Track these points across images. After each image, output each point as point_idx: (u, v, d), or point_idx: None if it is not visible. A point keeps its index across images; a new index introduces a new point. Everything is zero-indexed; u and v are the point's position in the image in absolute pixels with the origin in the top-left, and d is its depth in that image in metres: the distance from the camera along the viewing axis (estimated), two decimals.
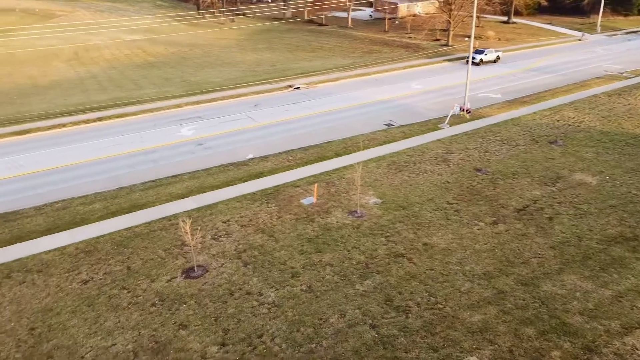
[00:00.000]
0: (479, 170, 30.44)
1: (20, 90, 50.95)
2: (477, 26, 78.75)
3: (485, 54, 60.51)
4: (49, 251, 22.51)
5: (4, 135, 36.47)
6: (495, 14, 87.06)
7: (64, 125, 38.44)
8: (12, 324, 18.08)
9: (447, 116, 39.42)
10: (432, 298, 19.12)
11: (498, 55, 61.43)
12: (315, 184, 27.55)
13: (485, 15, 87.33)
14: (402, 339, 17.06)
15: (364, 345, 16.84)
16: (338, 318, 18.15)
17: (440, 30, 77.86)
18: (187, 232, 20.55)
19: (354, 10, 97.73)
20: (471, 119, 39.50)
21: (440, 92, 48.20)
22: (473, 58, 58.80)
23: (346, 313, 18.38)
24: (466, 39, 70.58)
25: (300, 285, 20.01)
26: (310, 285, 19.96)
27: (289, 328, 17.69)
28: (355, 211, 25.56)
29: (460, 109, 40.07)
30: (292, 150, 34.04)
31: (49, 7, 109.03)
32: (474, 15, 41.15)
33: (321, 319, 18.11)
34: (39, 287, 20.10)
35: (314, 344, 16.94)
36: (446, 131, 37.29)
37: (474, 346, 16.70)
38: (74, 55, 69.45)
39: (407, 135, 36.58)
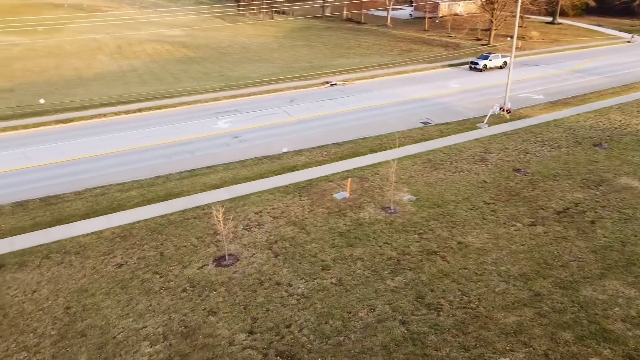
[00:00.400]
0: (517, 170, 29.57)
1: (66, 81, 52.60)
2: (521, 26, 76.78)
3: (490, 60, 55.23)
4: (87, 234, 23.08)
5: (49, 123, 37.71)
6: (539, 14, 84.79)
7: (105, 115, 39.46)
8: (49, 302, 18.59)
9: (486, 116, 38.50)
10: (464, 297, 18.62)
11: (505, 61, 55.86)
12: (349, 179, 27.33)
13: (529, 16, 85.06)
14: (433, 336, 16.67)
15: (393, 340, 16.53)
16: (367, 312, 17.90)
17: (481, 29, 76.32)
18: (219, 221, 20.70)
19: (393, 9, 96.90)
20: (511, 119, 38.46)
21: (479, 91, 47.15)
22: (476, 64, 55.24)
23: (376, 308, 18.11)
24: (508, 38, 68.99)
25: (330, 278, 19.84)
26: (341, 279, 19.76)
27: (317, 320, 17.55)
28: (389, 207, 25.21)
29: (500, 109, 39.08)
30: (326, 145, 33.90)
31: (96, 3, 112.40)
32: (517, 15, 40.04)
33: (350, 313, 17.90)
34: (75, 268, 20.62)
35: (342, 337, 16.74)
36: (484, 131, 36.43)
37: (508, 348, 16.16)
38: (117, 49, 71.26)
39: (444, 133, 35.90)
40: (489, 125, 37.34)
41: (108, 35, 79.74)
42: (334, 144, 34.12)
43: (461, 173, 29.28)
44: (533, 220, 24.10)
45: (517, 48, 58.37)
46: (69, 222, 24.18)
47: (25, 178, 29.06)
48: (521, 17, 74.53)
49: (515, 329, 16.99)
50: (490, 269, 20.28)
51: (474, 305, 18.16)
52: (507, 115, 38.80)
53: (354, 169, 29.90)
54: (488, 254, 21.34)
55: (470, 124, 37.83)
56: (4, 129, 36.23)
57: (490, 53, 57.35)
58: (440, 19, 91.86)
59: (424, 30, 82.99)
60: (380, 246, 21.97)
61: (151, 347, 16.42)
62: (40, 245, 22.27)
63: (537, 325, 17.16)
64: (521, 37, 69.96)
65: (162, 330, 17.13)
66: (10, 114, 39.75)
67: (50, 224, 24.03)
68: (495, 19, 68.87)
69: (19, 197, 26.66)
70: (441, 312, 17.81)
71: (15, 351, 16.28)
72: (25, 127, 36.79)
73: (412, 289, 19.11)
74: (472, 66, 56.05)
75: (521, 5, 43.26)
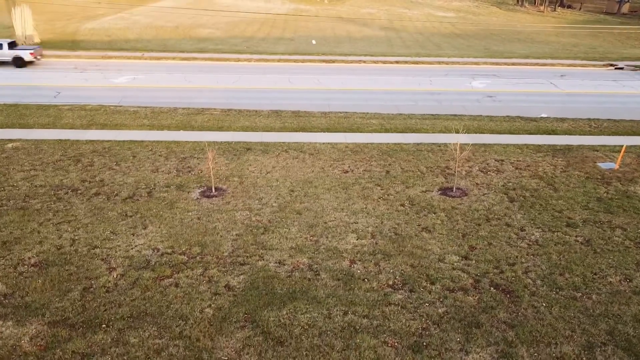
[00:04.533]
0: None
1: (336, 39, 56.60)
2: None
3: None
4: (323, 143, 23.69)
5: (314, 60, 40.92)
6: None
7: (364, 61, 40.90)
8: (278, 183, 19.42)
9: None
10: None
11: (19, 56, 35.62)
12: (624, 146, 22.16)
13: None
14: None
15: None
16: (620, 280, 13.81)
17: None
18: (455, 150, 18.76)
19: None
20: None
21: None
22: None
23: (633, 279, 13.85)
24: None
25: (576, 236, 16.07)
26: (590, 240, 15.84)
27: (550, 269, 14.26)
28: None
29: None
30: (598, 119, 28.49)
31: None
32: None
33: (595, 274, 14.07)
34: (306, 164, 21.23)
35: (580, 294, 13.19)
36: None
37: None
38: (388, 22, 73.89)
39: None
40: None
41: (382, 10, 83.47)
42: (609, 120, 28.45)
43: None
44: None
45: None
46: (310, 132, 25.26)
47: (284, 95, 31.71)
48: None
49: None
50: None
51: None
52: None
53: (632, 146, 24.22)
54: None
55: None
56: (280, 60, 40.52)
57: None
58: None
59: None
60: None
61: (357, 239, 15.58)
62: (283, 142, 23.69)
63: None
64: None
65: (372, 230, 16.16)
66: (286, 52, 44.31)
67: (295, 130, 25.49)
68: None
69: (276, 107, 29.08)
70: None
71: (241, 208, 17.32)
72: (295, 61, 40.49)
73: None
74: None
75: None
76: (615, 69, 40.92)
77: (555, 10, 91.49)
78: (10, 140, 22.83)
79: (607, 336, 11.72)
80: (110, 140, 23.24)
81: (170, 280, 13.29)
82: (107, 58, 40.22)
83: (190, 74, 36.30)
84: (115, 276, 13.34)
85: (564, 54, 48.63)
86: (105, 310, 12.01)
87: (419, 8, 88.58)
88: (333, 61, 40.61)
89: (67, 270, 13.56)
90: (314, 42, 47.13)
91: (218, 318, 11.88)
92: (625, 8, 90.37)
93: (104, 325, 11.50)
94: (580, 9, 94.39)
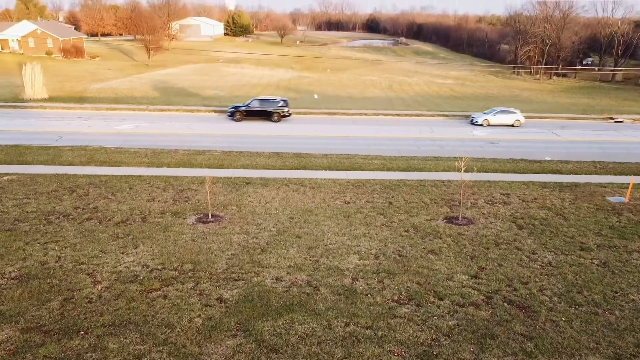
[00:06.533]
0: None
1: (338, 99, 57.68)
2: None
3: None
4: (325, 179, 23.22)
5: (317, 113, 41.42)
6: None
7: (365, 114, 41.30)
8: (277, 211, 18.76)
9: None
10: None
11: None
12: (632, 178, 21.61)
13: None
14: None
15: None
16: None
17: None
18: (462, 181, 18.28)
19: None
20: None
21: None
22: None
23: None
24: None
25: (592, 259, 15.19)
26: (606, 262, 14.95)
27: (566, 288, 13.30)
28: None
29: None
30: (602, 161, 28.20)
31: (379, 58, 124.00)
32: None
33: (616, 293, 13.09)
34: (307, 196, 20.65)
35: (601, 310, 12.18)
36: None
37: None
38: (389, 86, 75.81)
39: None
40: None
41: (382, 77, 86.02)
42: (613, 162, 28.13)
43: None
44: None
45: None
46: (311, 169, 24.88)
47: (286, 140, 31.70)
48: None
49: None
50: None
51: None
52: None
53: (638, 183, 23.70)
54: None
55: None
56: None
57: None
58: None
59: None
60: None
61: (360, 260, 14.73)
62: (283, 178, 23.24)
63: None
64: None
65: (375, 252, 15.32)
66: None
67: (296, 168, 25.12)
68: None
69: (277, 150, 28.92)
70: None
71: (238, 232, 16.57)
72: (297, 113, 40.94)
73: None
74: None
75: None
76: (615, 121, 41.18)
77: (550, 78, 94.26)
78: (7, 174, 22.47)
79: (635, 348, 10.63)
80: (107, 175, 22.84)
81: (158, 292, 12.36)
82: (111, 110, 40.78)
83: (193, 123, 36.58)
84: (99, 288, 12.43)
85: (563, 110, 49.25)
86: (85, 318, 11.04)
87: (418, 76, 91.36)
88: (335, 114, 41.14)
89: (48, 283, 12.67)
90: (316, 96, 48.00)
91: (207, 327, 10.87)
92: (619, 76, 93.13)
93: (82, 332, 10.51)
94: (575, 77, 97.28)
